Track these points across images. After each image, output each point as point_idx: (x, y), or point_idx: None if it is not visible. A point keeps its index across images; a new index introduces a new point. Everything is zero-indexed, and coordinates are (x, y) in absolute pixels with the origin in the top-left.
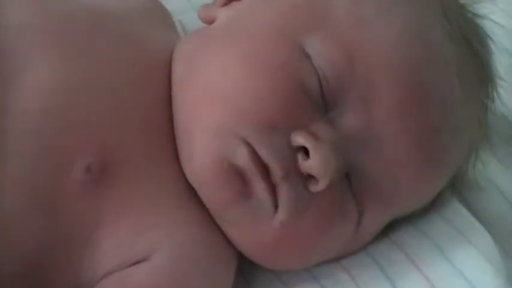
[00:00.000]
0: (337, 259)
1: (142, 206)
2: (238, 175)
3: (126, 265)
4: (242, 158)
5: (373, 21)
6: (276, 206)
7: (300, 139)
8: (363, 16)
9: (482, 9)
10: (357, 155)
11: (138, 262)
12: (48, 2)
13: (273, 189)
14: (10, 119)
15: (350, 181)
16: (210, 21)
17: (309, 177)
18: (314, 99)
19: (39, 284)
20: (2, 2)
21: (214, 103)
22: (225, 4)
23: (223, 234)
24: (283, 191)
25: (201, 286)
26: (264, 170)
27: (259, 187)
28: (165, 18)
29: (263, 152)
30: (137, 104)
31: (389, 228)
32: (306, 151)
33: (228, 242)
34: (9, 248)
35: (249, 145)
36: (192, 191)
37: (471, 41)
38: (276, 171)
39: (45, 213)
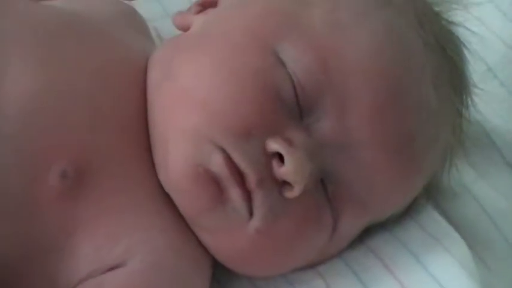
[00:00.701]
0: (313, 265)
1: (118, 211)
2: (213, 181)
3: (101, 271)
4: (217, 164)
5: (348, 27)
6: (251, 213)
7: (274, 145)
8: (339, 23)
9: (457, 17)
10: (332, 160)
11: (113, 268)
12: (25, 9)
13: (248, 196)
14: None
15: (325, 187)
16: (185, 28)
17: (284, 184)
18: (289, 106)
19: None
20: None
21: (189, 109)
22: (200, 11)
23: (198, 241)
24: (258, 198)
25: None
26: (239, 176)
27: (234, 193)
28: (140, 25)
29: (238, 158)
30: (113, 110)
31: (365, 234)
32: (281, 157)
33: (204, 248)
34: None
35: (223, 151)
36: (168, 197)
37: (446, 49)
38: (251, 178)
39: (22, 218)
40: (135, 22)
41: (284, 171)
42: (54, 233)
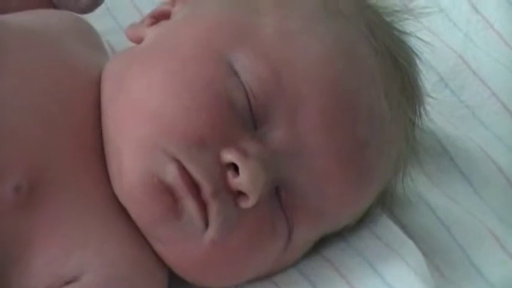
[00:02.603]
0: (268, 275)
1: (72, 224)
2: (168, 192)
3: (58, 285)
4: (171, 175)
5: (300, 36)
6: (206, 224)
7: (228, 156)
8: (290, 32)
9: (408, 27)
10: (286, 169)
11: (69, 282)
12: None
13: (203, 207)
14: None
15: (280, 197)
16: (138, 41)
17: (239, 194)
18: (242, 116)
19: None
20: None
21: (142, 120)
22: (153, 23)
23: (153, 252)
24: (213, 209)
25: None
26: (194, 187)
27: (189, 204)
28: (94, 39)
29: (192, 169)
30: (65, 123)
31: (321, 244)
32: (235, 168)
33: (159, 260)
34: None
35: (178, 162)
36: (122, 209)
37: (397, 57)
38: (206, 189)
39: None
40: (89, 36)
41: (239, 181)
42: (8, 245)
